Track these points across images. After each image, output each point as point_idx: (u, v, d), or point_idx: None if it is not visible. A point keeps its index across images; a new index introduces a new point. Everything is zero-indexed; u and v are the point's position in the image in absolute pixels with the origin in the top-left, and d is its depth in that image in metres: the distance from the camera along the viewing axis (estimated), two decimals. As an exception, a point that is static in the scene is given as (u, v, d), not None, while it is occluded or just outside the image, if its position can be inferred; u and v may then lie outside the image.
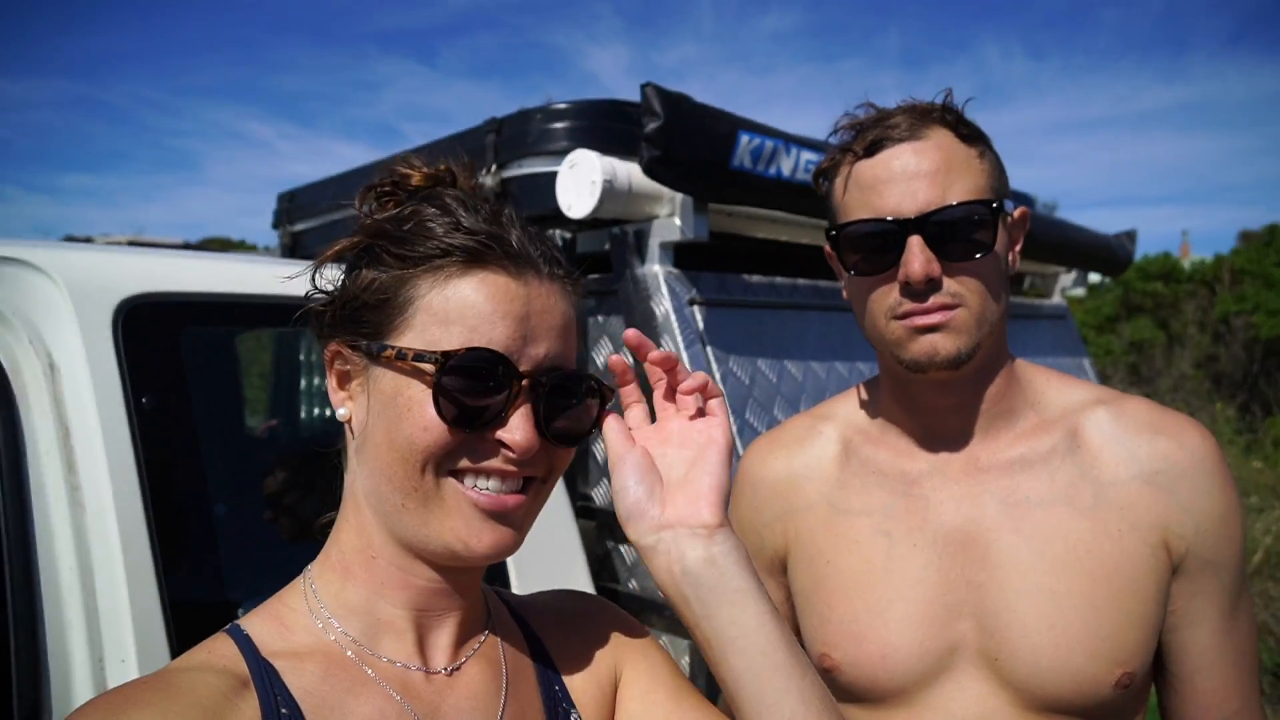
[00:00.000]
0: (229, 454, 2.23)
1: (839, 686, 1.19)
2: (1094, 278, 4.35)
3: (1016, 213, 1.18)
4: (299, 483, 2.03)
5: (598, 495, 2.39)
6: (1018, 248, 1.19)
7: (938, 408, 1.18)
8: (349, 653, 0.84)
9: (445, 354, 0.79)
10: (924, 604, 1.14)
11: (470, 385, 0.79)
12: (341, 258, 0.88)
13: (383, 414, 0.82)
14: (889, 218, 1.09)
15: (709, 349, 2.22)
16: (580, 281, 0.91)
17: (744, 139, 2.09)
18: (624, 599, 2.25)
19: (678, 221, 2.19)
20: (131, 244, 3.89)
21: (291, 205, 3.49)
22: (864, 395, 1.31)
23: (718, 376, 2.20)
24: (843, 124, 1.17)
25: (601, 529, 2.37)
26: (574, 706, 0.97)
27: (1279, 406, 10.95)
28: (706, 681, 2.06)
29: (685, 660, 2.14)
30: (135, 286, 1.61)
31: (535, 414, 0.82)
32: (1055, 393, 1.21)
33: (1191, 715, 1.14)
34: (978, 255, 1.08)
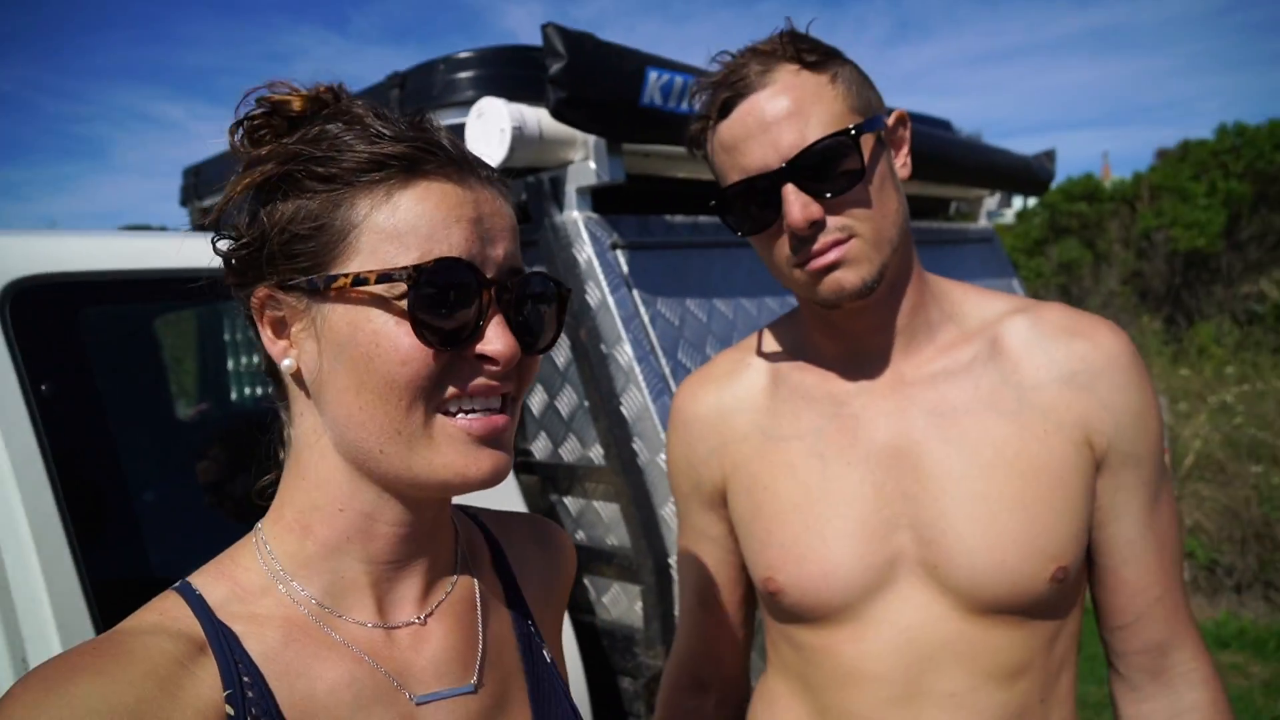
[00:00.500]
0: (153, 438, 2.16)
1: (784, 608, 1.21)
2: (1019, 201, 4.41)
3: (890, 119, 1.17)
4: (231, 463, 1.98)
5: (536, 449, 2.38)
6: (904, 151, 1.19)
7: (856, 330, 1.19)
8: (310, 615, 0.79)
9: (417, 268, 0.72)
10: (861, 520, 1.15)
11: (443, 301, 0.73)
12: (249, 194, 0.78)
13: (341, 355, 0.75)
14: (759, 173, 1.09)
15: (635, 292, 2.20)
16: (510, 185, 0.86)
17: (652, 75, 2.05)
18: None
19: (592, 165, 2.15)
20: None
21: (198, 180, 3.37)
22: (787, 326, 1.32)
23: (646, 319, 2.18)
24: (697, 87, 1.16)
25: (545, 483, 2.36)
26: (544, 642, 0.95)
27: (1200, 315, 11.35)
28: (661, 624, 2.08)
29: (638, 605, 2.15)
30: (25, 268, 1.53)
31: (508, 321, 0.77)
32: (973, 305, 1.22)
33: (1119, 604, 1.17)
34: (853, 185, 1.08)
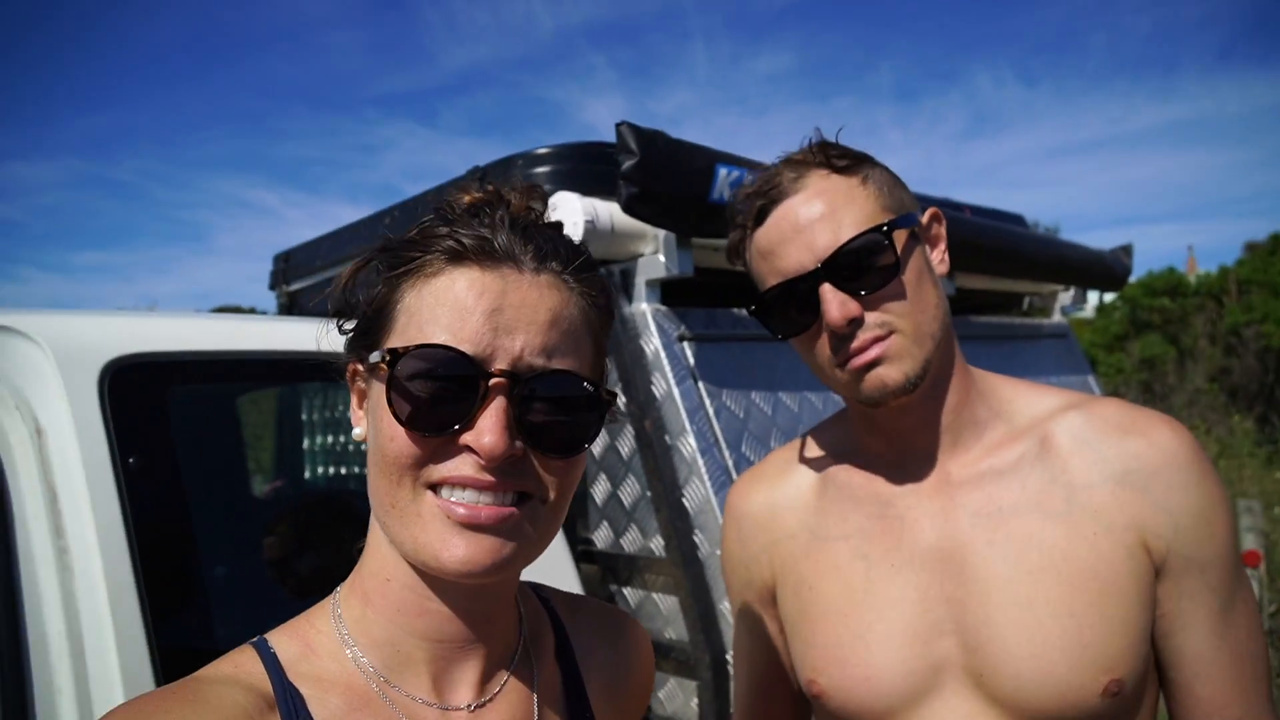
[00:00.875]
0: (228, 514, 2.23)
1: (828, 711, 1.18)
2: (1095, 296, 4.34)
3: (924, 216, 1.19)
4: (298, 540, 2.03)
5: (599, 538, 2.38)
6: (941, 247, 1.20)
7: (901, 428, 1.18)
8: (373, 685, 0.81)
9: (391, 351, 0.76)
10: (905, 624, 1.13)
11: (429, 385, 0.74)
12: (354, 281, 0.86)
13: (371, 426, 0.81)
14: (796, 275, 1.11)
15: (700, 384, 2.21)
16: (595, 279, 0.84)
17: (722, 172, 2.10)
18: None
19: (662, 258, 2.20)
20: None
21: (287, 265, 3.54)
22: (836, 425, 1.32)
23: (711, 411, 2.19)
24: (735, 199, 1.20)
25: (605, 573, 2.35)
26: None
27: (1297, 416, 10.82)
28: (716, 719, 2.02)
29: (694, 701, 2.10)
30: (121, 348, 1.62)
31: (509, 416, 0.75)
32: (1024, 401, 1.20)
33: None
34: (889, 281, 1.09)
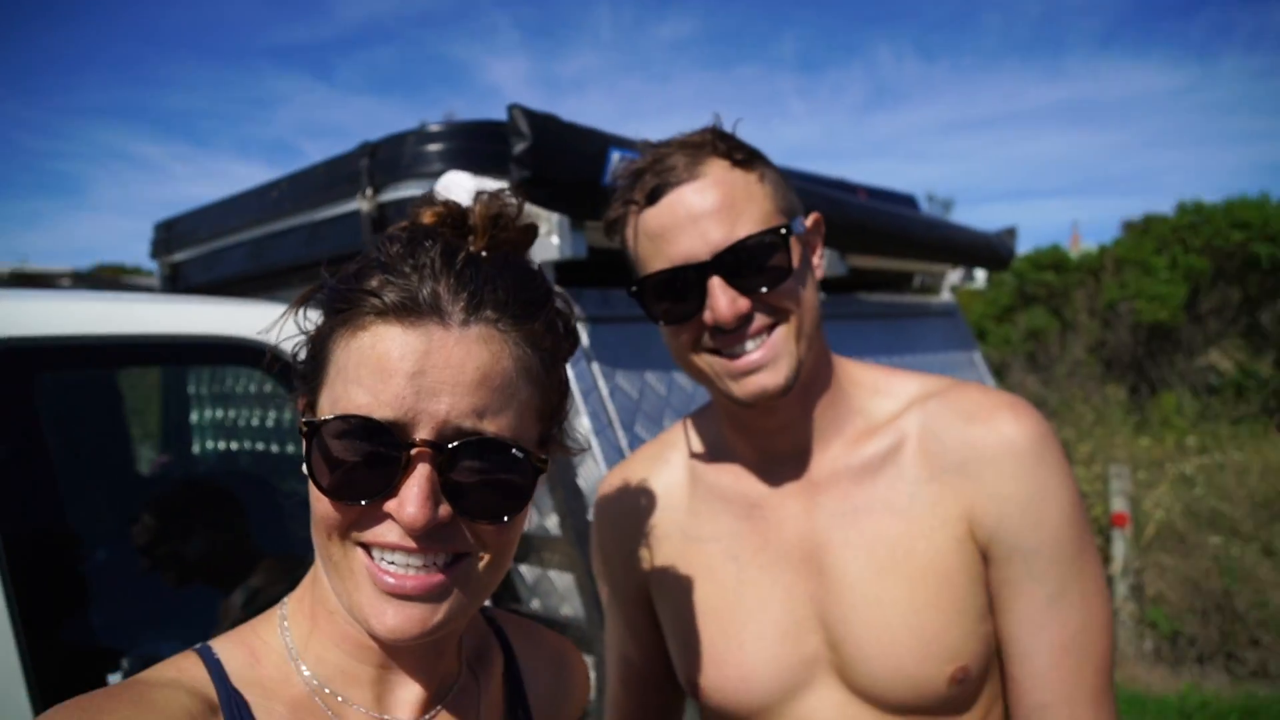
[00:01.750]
0: (108, 497, 2.15)
1: (710, 710, 1.21)
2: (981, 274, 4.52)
3: (809, 221, 1.19)
4: (178, 524, 1.97)
5: (493, 516, 2.38)
6: (818, 252, 1.21)
7: (767, 428, 1.19)
8: (317, 698, 0.82)
9: (309, 423, 0.74)
10: (775, 623, 1.16)
11: (350, 453, 0.72)
12: (306, 305, 0.82)
13: (310, 478, 0.78)
14: (685, 263, 1.09)
15: (595, 364, 2.23)
16: (536, 323, 0.78)
17: (615, 155, 2.11)
18: (527, 619, 2.25)
19: (555, 240, 2.20)
20: (14, 275, 3.71)
21: (170, 234, 3.39)
22: (706, 421, 1.31)
23: (605, 392, 2.22)
24: (620, 171, 1.16)
25: (500, 550, 2.36)
26: None
27: (1163, 385, 11.56)
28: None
29: (592, 675, 2.14)
30: (-19, 333, 1.54)
31: (433, 485, 0.73)
32: (885, 393, 1.21)
33: (1010, 704, 1.13)
34: (780, 282, 1.09)
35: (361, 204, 2.41)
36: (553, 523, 2.22)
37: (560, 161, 2.03)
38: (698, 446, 1.30)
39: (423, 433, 0.73)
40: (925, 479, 1.13)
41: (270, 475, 3.09)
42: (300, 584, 0.88)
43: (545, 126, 2.00)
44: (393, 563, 0.75)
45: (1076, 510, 1.09)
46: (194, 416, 3.66)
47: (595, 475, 2.12)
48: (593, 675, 2.14)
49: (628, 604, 1.33)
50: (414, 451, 0.73)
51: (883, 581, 1.10)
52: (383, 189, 2.39)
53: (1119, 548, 6.40)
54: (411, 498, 0.72)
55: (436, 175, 2.20)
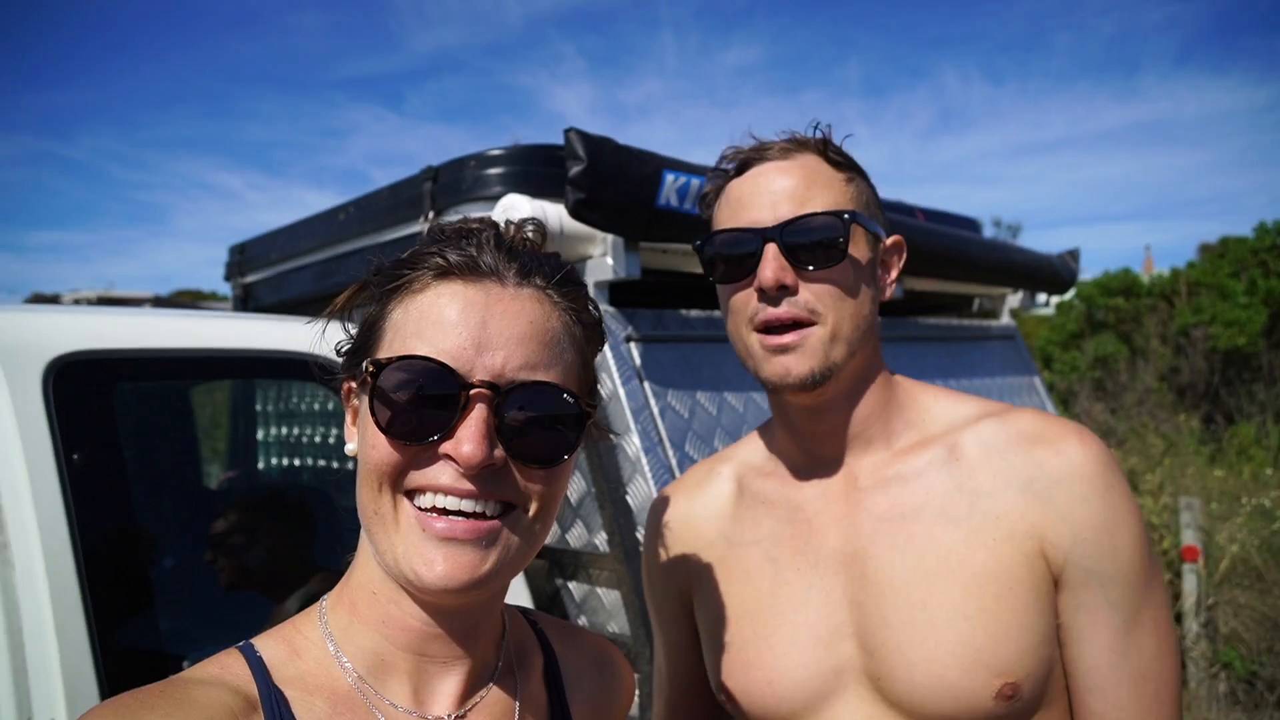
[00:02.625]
0: (177, 507, 2.25)
1: (739, 715, 1.21)
2: (1044, 297, 4.44)
3: (889, 240, 1.22)
4: (243, 531, 2.05)
5: (545, 532, 2.42)
6: (892, 275, 1.22)
7: (814, 432, 1.20)
8: (357, 691, 0.83)
9: (374, 361, 0.78)
10: (808, 627, 1.14)
11: (410, 395, 0.76)
12: (352, 305, 0.89)
13: (360, 438, 0.83)
14: (749, 227, 1.13)
15: (646, 384, 2.26)
16: (580, 295, 0.87)
17: (669, 178, 2.15)
18: (568, 622, 2.27)
19: (610, 261, 2.24)
20: (101, 300, 3.90)
21: (243, 257, 3.53)
22: (761, 434, 1.34)
23: (656, 411, 2.24)
24: (726, 153, 1.22)
25: (552, 567, 2.40)
26: None
27: (1240, 415, 11.14)
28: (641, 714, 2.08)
29: (637, 694, 2.15)
30: (66, 345, 1.64)
31: (489, 426, 0.77)
32: (941, 410, 1.21)
33: None
34: (831, 264, 1.11)
35: (424, 227, 2.48)
36: (601, 539, 2.24)
37: (614, 184, 2.07)
38: (749, 456, 1.32)
39: (480, 376, 0.78)
40: (987, 491, 1.11)
41: (330, 489, 3.17)
42: (339, 583, 0.90)
43: (600, 149, 2.05)
44: (444, 510, 0.78)
45: (1145, 538, 1.09)
46: (260, 434, 3.79)
47: (645, 493, 2.14)
48: (637, 694, 2.15)
49: (672, 617, 1.34)
50: (472, 393, 0.77)
51: (931, 587, 1.08)
52: (444, 212, 2.46)
53: (1189, 582, 6.16)
54: (469, 436, 0.76)
55: (496, 198, 2.26)
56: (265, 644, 0.85)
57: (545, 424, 0.80)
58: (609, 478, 2.17)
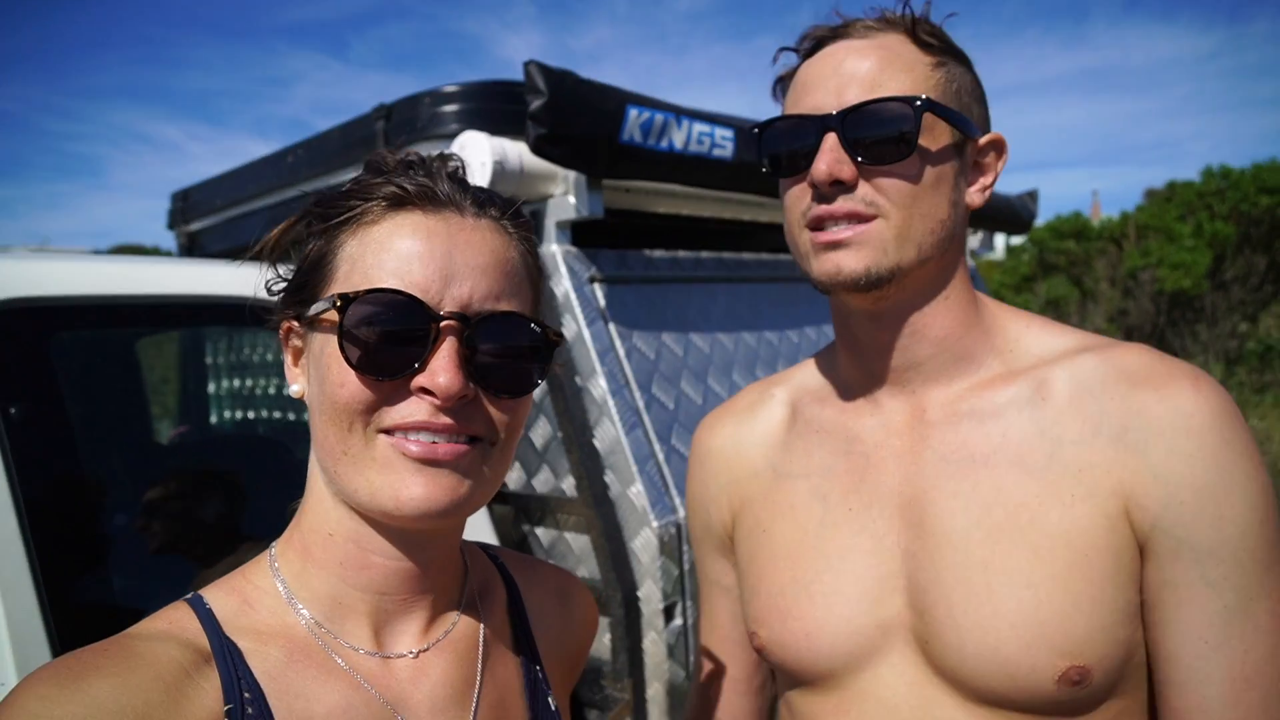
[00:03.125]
0: (126, 462, 2.16)
1: (776, 670, 1.11)
2: (1004, 239, 4.47)
3: (985, 138, 1.03)
4: (194, 486, 1.98)
5: (511, 480, 2.38)
6: (987, 179, 1.04)
7: (877, 345, 1.05)
8: (314, 636, 0.80)
9: (342, 296, 0.75)
10: (855, 576, 1.02)
11: (380, 330, 0.74)
12: (285, 240, 0.85)
13: (314, 377, 0.80)
14: (810, 114, 0.98)
15: (611, 325, 2.21)
16: (529, 227, 0.86)
17: (633, 113, 2.08)
18: (527, 555, 2.25)
19: (572, 200, 2.17)
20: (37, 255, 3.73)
21: (186, 204, 3.39)
22: (822, 357, 1.21)
23: (621, 352, 2.20)
24: (807, 32, 1.06)
25: (518, 513, 2.36)
26: (550, 690, 0.95)
27: (1184, 355, 11.43)
28: (628, 657, 2.08)
29: (606, 638, 2.15)
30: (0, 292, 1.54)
31: (460, 358, 0.76)
32: (1033, 339, 1.04)
33: None
34: (898, 158, 0.95)
35: (376, 166, 2.39)
36: (569, 484, 2.21)
37: (577, 118, 2.00)
38: (807, 380, 1.19)
39: (449, 307, 0.76)
40: (1073, 440, 0.95)
41: (287, 442, 3.10)
42: (286, 530, 0.86)
43: (562, 83, 1.97)
44: (418, 439, 0.76)
45: (1271, 512, 0.90)
46: (211, 387, 3.68)
47: (611, 436, 2.11)
48: (607, 637, 2.14)
49: (714, 551, 1.23)
50: (443, 324, 0.76)
51: (996, 545, 0.94)
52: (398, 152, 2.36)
53: None
54: (443, 367, 0.75)
55: (452, 136, 2.17)
56: (214, 595, 0.81)
57: (514, 354, 0.80)
58: (575, 421, 2.13)
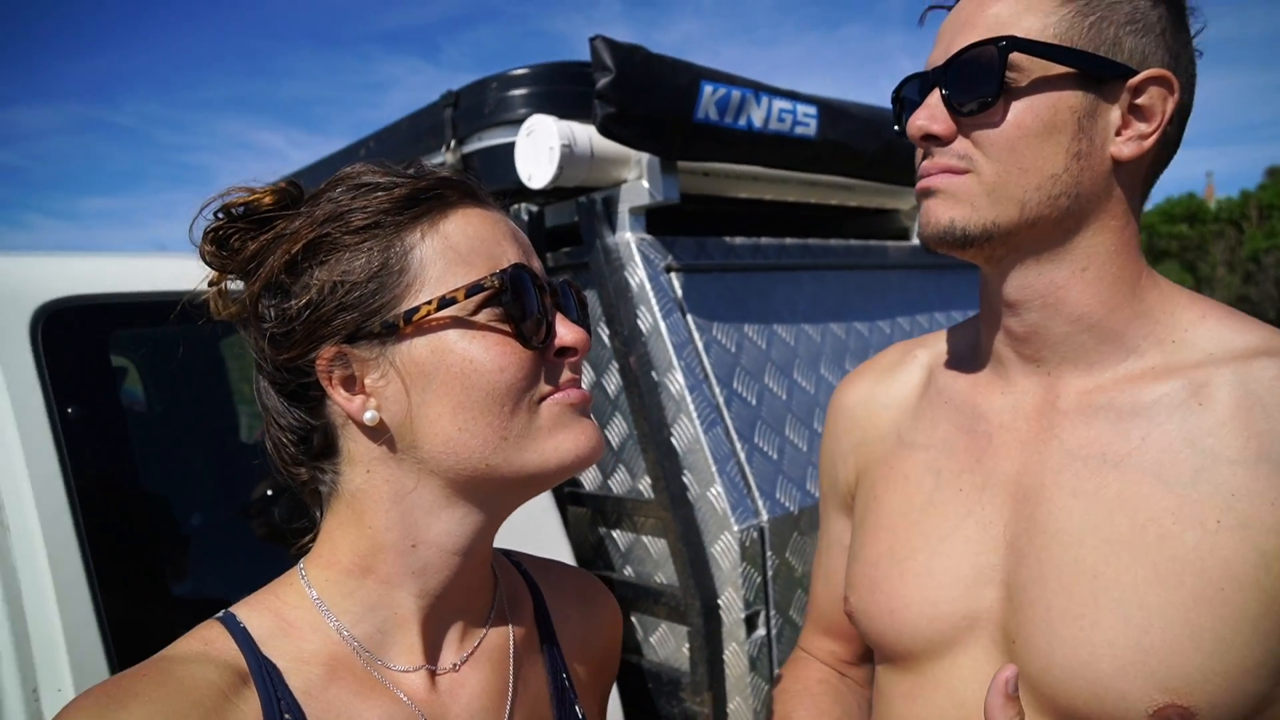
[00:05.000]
0: (199, 462, 2.14)
1: (860, 636, 1.10)
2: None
3: (1137, 78, 0.88)
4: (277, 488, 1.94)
5: (586, 480, 2.28)
6: (1142, 126, 0.89)
7: (1005, 315, 0.97)
8: (355, 655, 0.81)
9: (500, 275, 0.78)
10: (952, 560, 0.96)
11: (524, 304, 0.79)
12: (279, 273, 0.79)
13: (430, 384, 0.77)
14: (922, 71, 0.95)
15: (689, 317, 2.09)
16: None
17: (707, 89, 1.95)
18: (620, 585, 2.14)
19: (645, 184, 2.05)
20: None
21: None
22: (966, 325, 1.13)
23: (700, 345, 2.07)
24: None
25: (595, 515, 2.26)
26: (577, 697, 0.94)
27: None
28: (708, 669, 1.95)
29: (685, 648, 2.02)
30: (55, 291, 1.51)
31: (574, 317, 0.85)
32: (1207, 332, 0.91)
33: None
34: (984, 107, 0.87)
35: (446, 156, 2.32)
36: (645, 485, 2.10)
37: (647, 96, 1.87)
38: (950, 346, 1.12)
39: (542, 279, 0.83)
40: (1231, 459, 0.83)
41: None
42: (318, 554, 0.84)
43: (630, 58, 1.85)
44: (573, 390, 0.82)
45: None
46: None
47: (689, 434, 1.98)
48: (686, 647, 2.02)
49: (835, 509, 1.21)
50: (550, 290, 0.84)
51: (1112, 556, 0.85)
52: (466, 140, 2.29)
53: None
54: (569, 327, 0.83)
55: (520, 121, 2.08)
56: (247, 613, 0.80)
57: (577, 306, 0.88)
58: (651, 419, 2.01)
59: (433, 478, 0.80)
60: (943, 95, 0.90)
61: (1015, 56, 0.86)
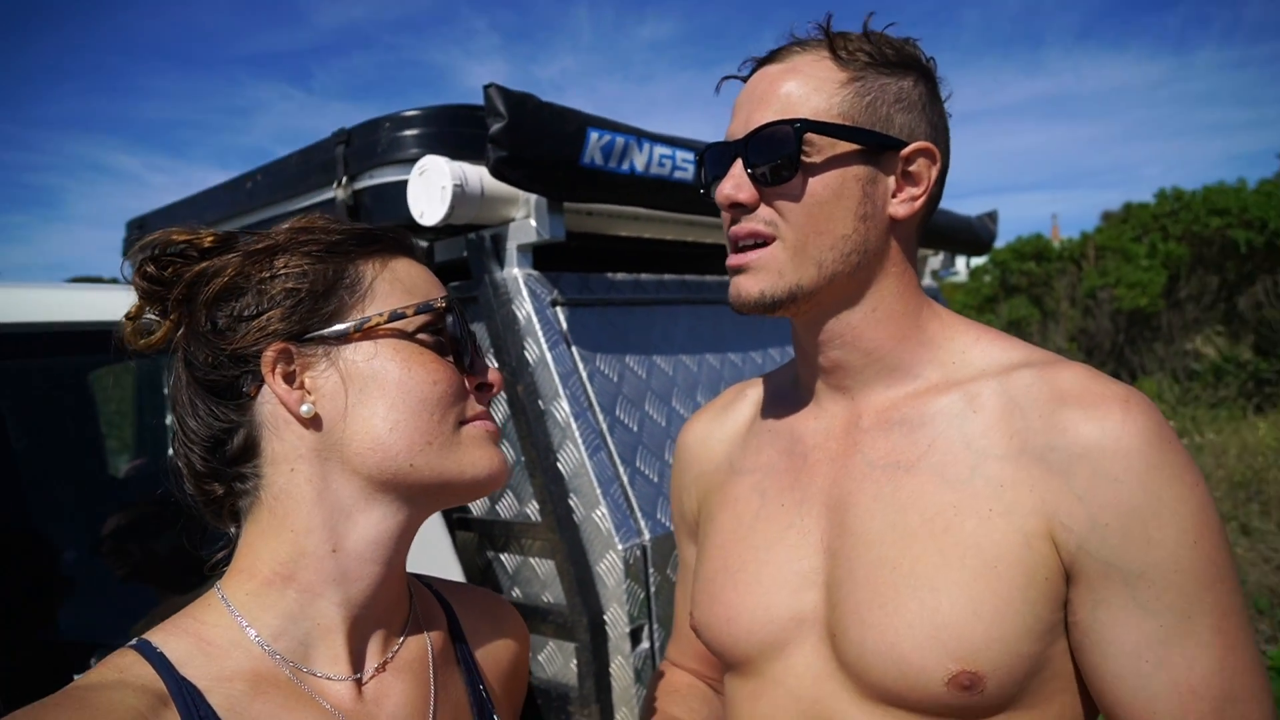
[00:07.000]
0: (73, 496, 2.10)
1: (705, 648, 1.18)
2: (970, 261, 4.51)
3: (907, 149, 1.01)
4: (148, 520, 1.93)
5: (474, 505, 2.35)
6: (913, 190, 1.02)
7: (813, 353, 1.09)
8: (279, 667, 0.81)
9: (446, 299, 0.90)
10: (777, 568, 1.06)
11: (458, 333, 0.90)
12: (238, 272, 0.85)
13: (368, 386, 0.83)
14: (725, 140, 1.05)
15: (574, 349, 2.20)
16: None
17: (593, 136, 2.08)
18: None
19: (533, 223, 2.17)
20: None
21: (142, 233, 3.34)
22: (790, 364, 1.25)
23: (584, 375, 2.19)
24: (747, 59, 1.11)
25: (481, 540, 2.33)
26: (494, 709, 0.98)
27: (1142, 372, 11.63)
28: (595, 683, 2.05)
29: (573, 663, 2.12)
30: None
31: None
32: (980, 352, 1.05)
33: None
34: (785, 179, 0.98)
35: (337, 192, 2.37)
36: (533, 509, 2.19)
37: (537, 141, 1.99)
38: (777, 381, 1.24)
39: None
40: (998, 455, 0.96)
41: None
42: (236, 569, 0.85)
43: (522, 106, 1.97)
44: (487, 422, 0.91)
45: (1205, 532, 0.88)
46: (170, 418, 3.61)
47: (575, 460, 2.09)
48: (573, 663, 2.11)
49: (685, 540, 1.31)
50: (473, 335, 0.94)
51: (905, 548, 0.96)
52: (358, 177, 2.35)
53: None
54: (493, 367, 0.95)
55: (413, 160, 2.16)
56: (162, 638, 0.79)
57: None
58: (538, 445, 2.11)
59: (355, 477, 0.83)
60: (746, 168, 1.00)
61: (809, 135, 0.97)
